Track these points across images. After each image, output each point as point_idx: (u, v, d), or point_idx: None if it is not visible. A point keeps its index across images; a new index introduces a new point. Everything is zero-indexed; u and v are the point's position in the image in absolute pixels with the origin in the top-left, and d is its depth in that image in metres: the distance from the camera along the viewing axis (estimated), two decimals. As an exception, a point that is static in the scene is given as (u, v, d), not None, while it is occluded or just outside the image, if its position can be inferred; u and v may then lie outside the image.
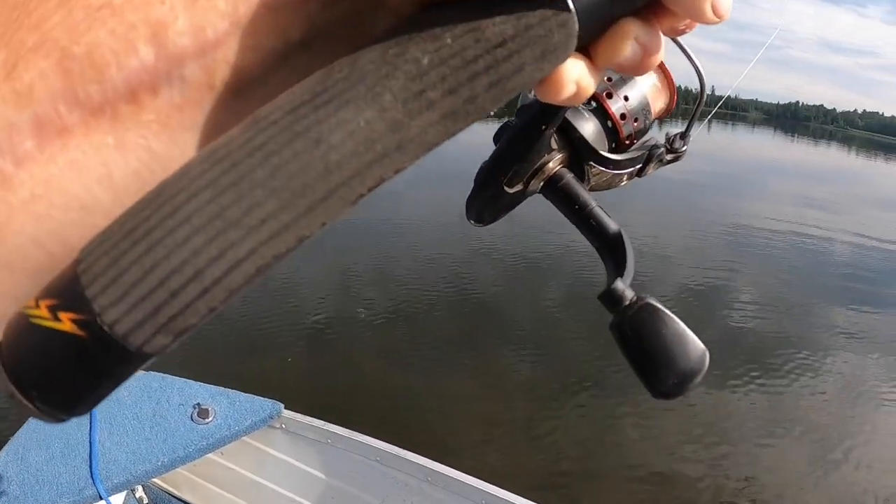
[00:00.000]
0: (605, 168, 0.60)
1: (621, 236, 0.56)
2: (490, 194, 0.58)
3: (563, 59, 0.27)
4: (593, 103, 0.60)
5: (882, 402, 7.94)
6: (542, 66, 0.26)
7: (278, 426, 2.94)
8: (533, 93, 0.45)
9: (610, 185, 0.64)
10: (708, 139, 53.89)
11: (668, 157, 0.67)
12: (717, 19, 0.32)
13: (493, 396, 6.67)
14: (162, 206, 0.22)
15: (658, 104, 0.66)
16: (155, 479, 2.88)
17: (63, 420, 0.24)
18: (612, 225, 0.57)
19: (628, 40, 0.29)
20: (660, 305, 0.49)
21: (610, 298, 0.50)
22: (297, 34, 0.26)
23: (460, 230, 11.93)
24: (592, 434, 6.21)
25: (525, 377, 7.13)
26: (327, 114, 0.23)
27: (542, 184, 0.58)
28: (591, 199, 0.58)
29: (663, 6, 0.30)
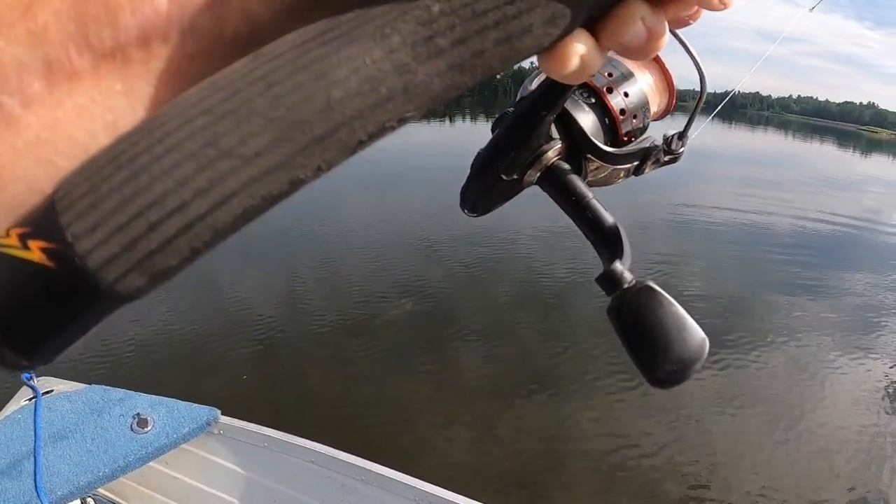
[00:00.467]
0: (604, 162, 0.60)
1: (618, 229, 0.56)
2: (486, 182, 0.56)
3: (572, 27, 0.27)
4: (593, 98, 0.60)
5: (829, 373, 8.19)
6: (550, 30, 0.26)
7: (216, 432, 2.98)
8: (533, 83, 0.55)
9: (606, 181, 0.64)
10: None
11: (666, 157, 0.67)
12: (723, 6, 0.33)
13: (452, 397, 6.66)
14: (153, 132, 0.21)
15: (657, 103, 0.67)
16: (102, 490, 2.91)
17: (24, 368, 0.23)
18: (609, 218, 0.57)
19: (635, 20, 0.29)
20: (660, 289, 0.50)
21: (609, 280, 0.51)
22: None
23: (407, 233, 11.89)
24: (552, 427, 6.26)
25: (482, 376, 7.13)
26: (334, 49, 0.22)
27: (539, 174, 0.57)
28: (588, 191, 0.58)
29: None
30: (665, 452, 6.02)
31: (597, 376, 7.24)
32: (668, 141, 0.67)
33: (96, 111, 0.24)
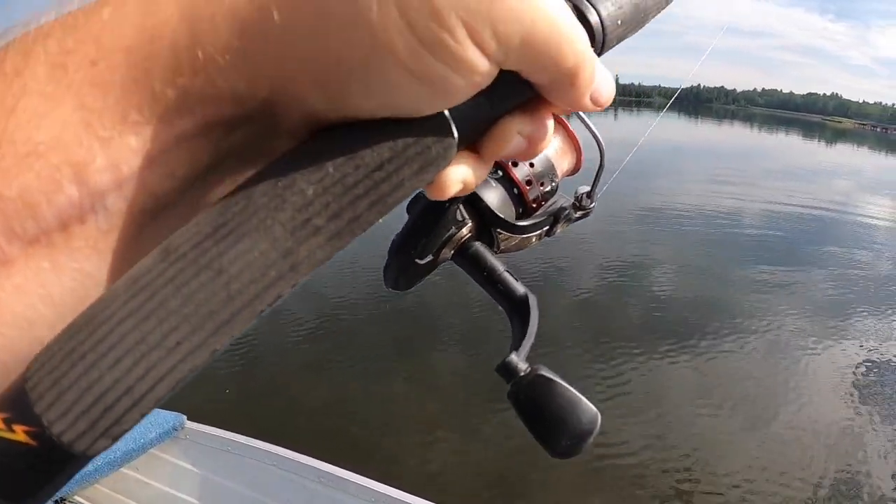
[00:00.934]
0: (513, 234, 0.64)
1: (527, 300, 0.61)
2: (404, 265, 0.61)
3: (443, 168, 0.30)
4: (499, 171, 0.62)
5: (805, 361, 8.33)
6: (422, 178, 0.30)
7: (183, 437, 3.08)
8: None
9: (520, 247, 0.67)
10: (614, 126, 55.52)
11: (577, 214, 0.72)
12: (598, 108, 0.36)
13: (429, 398, 6.67)
14: (94, 332, 0.26)
15: (564, 165, 0.68)
16: (76, 497, 2.98)
17: None
18: (520, 289, 0.62)
19: (511, 136, 0.32)
20: (551, 375, 0.55)
21: (505, 371, 0.57)
22: (205, 159, 0.30)
23: (378, 234, 11.85)
24: (518, 427, 6.19)
25: (460, 378, 7.15)
26: (227, 247, 0.27)
27: (452, 252, 0.63)
28: (499, 264, 0.63)
29: (545, 99, 0.33)
30: (645, 448, 6.05)
31: (574, 376, 7.27)
32: (578, 199, 0.72)
33: (31, 287, 0.27)
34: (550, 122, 0.35)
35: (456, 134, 0.30)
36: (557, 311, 8.84)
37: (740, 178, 25.30)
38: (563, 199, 0.70)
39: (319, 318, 8.25)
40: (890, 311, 10.53)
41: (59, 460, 0.27)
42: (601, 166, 0.73)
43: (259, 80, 0.28)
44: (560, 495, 5.42)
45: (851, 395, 7.59)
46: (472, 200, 0.60)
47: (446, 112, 0.30)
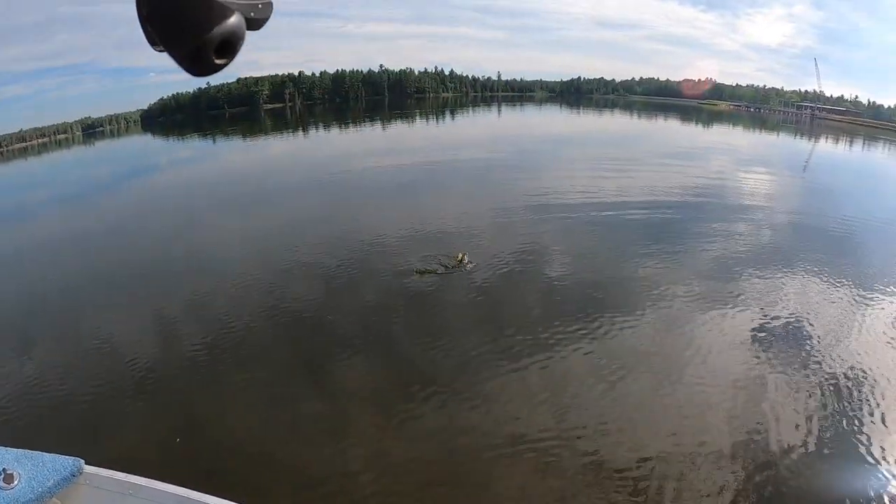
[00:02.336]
0: None
1: None
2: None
3: None
4: None
5: (700, 321, 8.98)
6: None
7: (83, 483, 3.00)
8: None
9: None
10: (499, 122, 56.37)
11: None
12: None
13: (340, 415, 6.78)
14: None
15: None
16: None
17: None
18: None
19: None
20: None
21: None
22: None
23: (268, 254, 11.83)
24: (446, 422, 6.38)
25: (366, 387, 7.35)
26: None
27: None
28: None
29: None
30: (558, 426, 6.46)
31: (476, 367, 7.51)
32: None
33: None
34: None
35: None
36: (459, 308, 9.06)
37: (624, 162, 26.35)
38: None
39: (217, 340, 8.22)
40: (771, 275, 11.43)
41: None
42: None
43: None
44: (485, 484, 5.66)
45: (748, 352, 8.36)
46: None
47: None
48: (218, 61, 0.73)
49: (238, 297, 9.77)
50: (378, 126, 45.07)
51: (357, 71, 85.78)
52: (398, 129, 41.81)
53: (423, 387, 7.06)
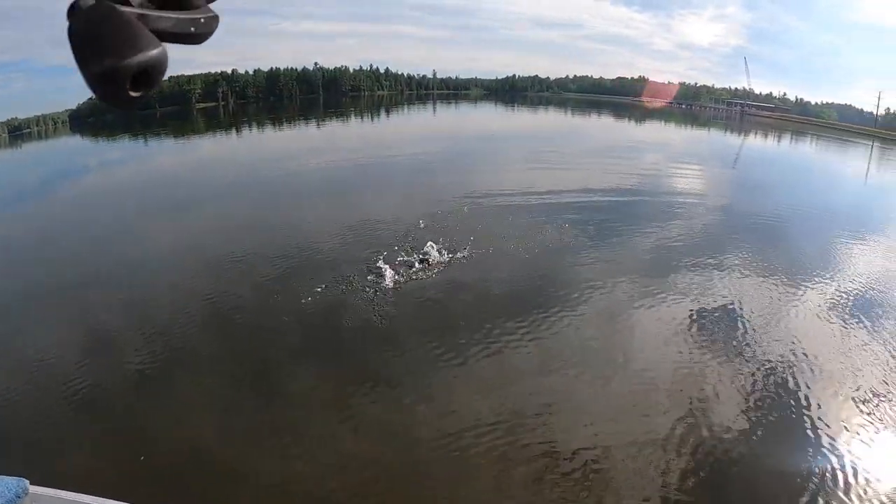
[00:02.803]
0: None
1: None
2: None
3: None
4: None
5: (638, 313, 9.11)
6: None
7: (28, 503, 2.93)
8: None
9: None
10: (434, 119, 56.47)
11: None
12: None
13: (295, 414, 6.66)
14: None
15: None
16: None
17: None
18: None
19: None
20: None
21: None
22: None
23: (199, 261, 11.51)
24: (391, 423, 6.31)
25: (318, 386, 7.14)
26: None
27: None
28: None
29: None
30: (503, 421, 6.42)
31: (418, 367, 7.46)
32: None
33: None
34: None
35: None
36: (402, 306, 9.00)
37: (558, 159, 26.62)
38: None
39: (161, 355, 7.95)
40: (706, 265, 11.75)
41: None
42: None
43: None
44: (432, 483, 5.61)
45: (686, 339, 8.56)
46: None
47: None
48: (132, 92, 0.68)
49: (179, 304, 9.48)
50: (313, 125, 44.51)
51: (292, 69, 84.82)
52: (333, 127, 41.45)
53: (374, 385, 6.99)
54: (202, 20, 0.78)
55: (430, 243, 11.60)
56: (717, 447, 6.20)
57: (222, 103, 70.06)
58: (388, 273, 10.12)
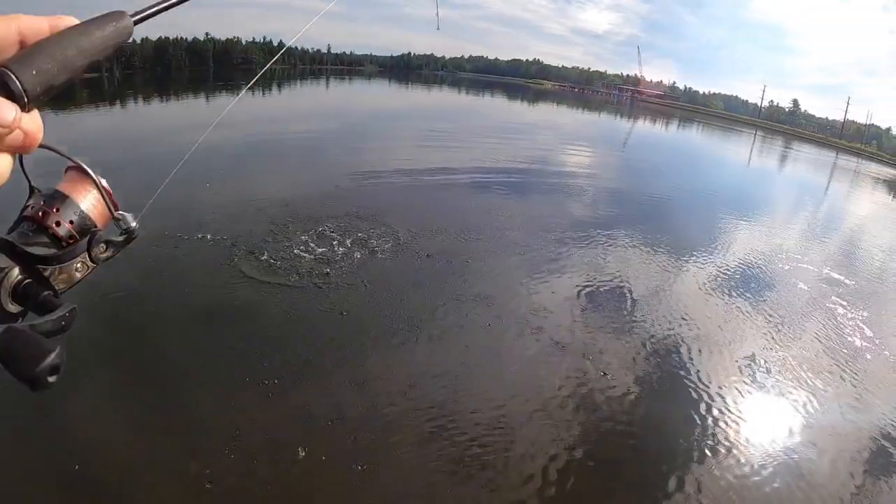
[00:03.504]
0: (52, 265, 0.87)
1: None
2: None
3: None
4: (35, 224, 0.89)
5: (526, 291, 9.04)
6: None
7: None
8: None
9: (71, 280, 0.91)
10: (327, 95, 55.55)
11: (120, 238, 0.93)
12: (29, 150, 0.74)
13: (211, 406, 5.92)
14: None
15: (97, 211, 0.94)
16: None
17: None
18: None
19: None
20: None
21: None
22: None
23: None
24: (286, 432, 5.69)
25: (224, 378, 6.39)
26: None
27: (12, 303, 0.85)
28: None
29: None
30: (406, 399, 6.18)
31: (312, 356, 6.88)
32: (118, 224, 0.93)
33: None
34: (7, 158, 0.73)
35: None
36: (292, 291, 8.36)
37: (452, 137, 26.38)
38: (98, 231, 0.93)
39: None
40: (595, 243, 11.96)
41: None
42: (101, 190, 0.94)
43: None
44: (321, 482, 5.10)
45: (577, 313, 8.63)
46: (10, 248, 0.84)
47: None
48: (51, 380, 0.75)
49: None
50: (202, 98, 42.57)
51: (181, 39, 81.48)
52: (223, 101, 39.81)
53: (266, 393, 6.29)
54: (66, 315, 0.85)
55: (316, 219, 10.92)
56: (606, 417, 6.36)
57: (107, 74, 65.82)
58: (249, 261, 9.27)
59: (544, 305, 8.69)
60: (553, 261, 10.57)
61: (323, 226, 10.67)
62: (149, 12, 0.95)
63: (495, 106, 59.89)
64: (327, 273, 8.78)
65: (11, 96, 0.68)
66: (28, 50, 0.72)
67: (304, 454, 5.24)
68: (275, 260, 9.08)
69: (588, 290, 9.48)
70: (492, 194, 15.21)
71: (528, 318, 8.22)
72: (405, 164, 17.99)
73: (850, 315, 10.38)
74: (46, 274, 0.85)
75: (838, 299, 11.17)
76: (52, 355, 0.72)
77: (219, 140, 18.80)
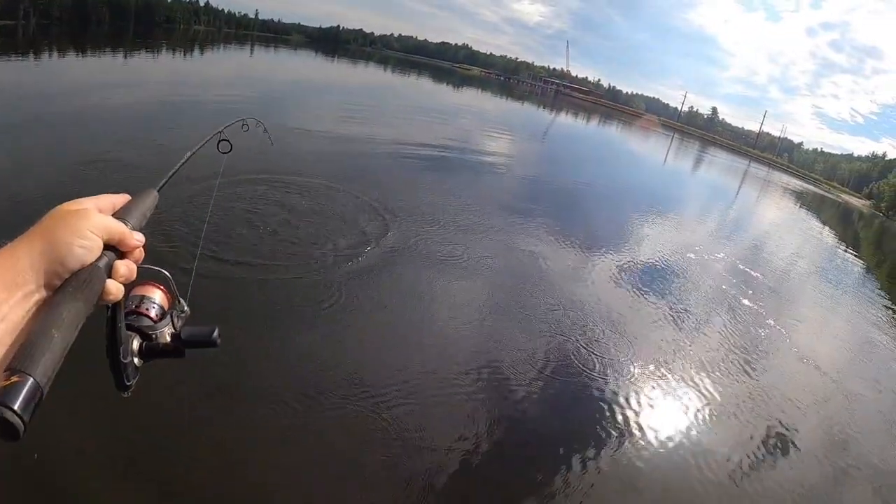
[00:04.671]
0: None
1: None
2: (117, 367, 1.19)
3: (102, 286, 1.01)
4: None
5: (441, 274, 8.94)
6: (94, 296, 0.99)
7: None
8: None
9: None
10: (251, 62, 54.09)
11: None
12: (137, 248, 1.11)
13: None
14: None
15: (166, 304, 1.38)
16: None
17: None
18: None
19: (119, 277, 1.05)
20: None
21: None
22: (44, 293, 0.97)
23: None
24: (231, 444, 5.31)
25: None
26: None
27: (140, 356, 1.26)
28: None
29: (123, 254, 1.08)
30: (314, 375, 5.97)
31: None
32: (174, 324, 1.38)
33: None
34: (132, 267, 1.08)
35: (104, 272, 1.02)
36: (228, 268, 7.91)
37: (373, 115, 26.00)
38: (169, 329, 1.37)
39: None
40: (509, 229, 11.92)
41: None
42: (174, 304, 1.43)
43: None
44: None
45: (484, 302, 8.46)
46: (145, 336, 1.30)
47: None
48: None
49: None
50: (120, 56, 40.51)
51: (103, -9, 77.66)
52: (141, 60, 37.99)
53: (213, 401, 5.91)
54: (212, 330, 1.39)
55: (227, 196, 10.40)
56: (513, 396, 6.43)
57: (22, 23, 61.75)
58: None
59: (449, 292, 8.53)
60: (466, 248, 10.24)
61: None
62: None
63: (420, 87, 59.59)
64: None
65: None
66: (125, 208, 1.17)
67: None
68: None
69: (495, 277, 9.39)
70: (408, 176, 14.97)
71: (432, 307, 8.03)
72: (325, 136, 17.62)
73: (752, 306, 11.02)
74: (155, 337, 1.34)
75: (741, 291, 11.80)
76: (215, 329, 1.31)
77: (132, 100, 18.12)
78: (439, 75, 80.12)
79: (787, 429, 7.11)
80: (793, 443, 6.86)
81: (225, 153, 1.86)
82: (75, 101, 17.58)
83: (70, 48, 40.30)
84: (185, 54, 45.89)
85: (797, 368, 8.99)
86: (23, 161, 10.60)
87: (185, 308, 1.39)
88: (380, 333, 7.12)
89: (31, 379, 0.81)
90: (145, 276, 1.25)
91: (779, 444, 6.73)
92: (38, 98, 17.88)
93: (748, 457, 6.33)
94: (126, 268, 1.05)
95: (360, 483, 4.97)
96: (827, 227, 32.32)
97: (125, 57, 38.57)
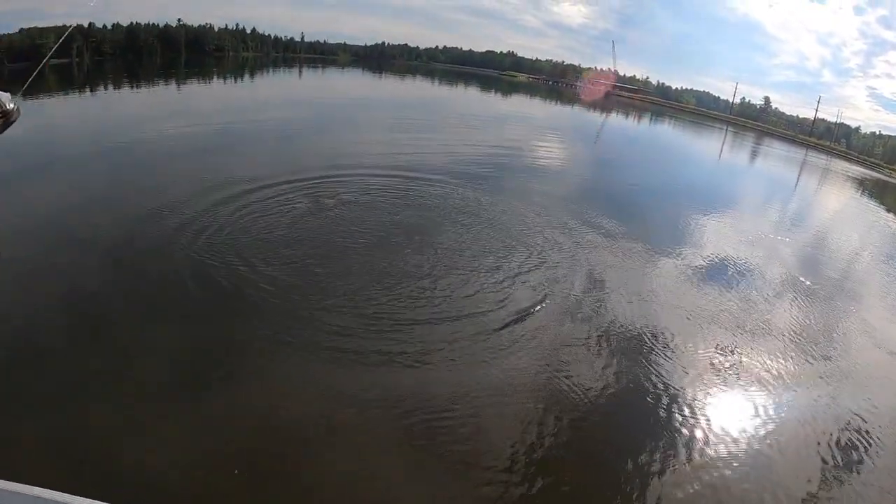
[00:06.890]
0: None
1: None
2: None
3: None
4: None
5: (499, 284, 9.18)
6: None
7: None
8: None
9: None
10: (301, 84, 55.08)
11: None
12: None
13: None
14: None
15: None
16: None
17: None
18: None
19: None
20: None
21: None
22: None
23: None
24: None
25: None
26: None
27: None
28: None
29: None
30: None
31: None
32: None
33: None
34: None
35: None
36: (249, 275, 8.34)
37: (424, 126, 26.38)
38: None
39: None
40: (567, 236, 12.05)
41: None
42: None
43: None
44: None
45: (547, 304, 8.72)
46: None
47: None
48: None
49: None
50: (173, 86, 41.75)
51: (153, 25, 79.84)
52: (195, 89, 39.22)
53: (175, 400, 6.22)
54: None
55: (287, 205, 10.85)
56: (577, 409, 6.46)
57: (76, 60, 63.84)
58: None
59: (515, 295, 8.78)
60: (524, 253, 10.56)
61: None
62: None
63: (470, 97, 59.78)
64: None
65: None
66: None
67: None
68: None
69: (558, 279, 9.58)
70: (465, 189, 15.18)
71: (495, 309, 8.27)
72: (383, 154, 18.02)
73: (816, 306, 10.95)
74: None
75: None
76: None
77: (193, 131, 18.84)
78: (487, 84, 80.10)
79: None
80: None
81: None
82: (143, 127, 18.36)
83: (126, 82, 41.64)
84: (236, 81, 46.99)
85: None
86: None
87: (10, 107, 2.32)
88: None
89: None
90: None
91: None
92: (104, 131, 18.80)
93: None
94: None
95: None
96: (892, 214, 31.37)
97: (179, 87, 39.80)
